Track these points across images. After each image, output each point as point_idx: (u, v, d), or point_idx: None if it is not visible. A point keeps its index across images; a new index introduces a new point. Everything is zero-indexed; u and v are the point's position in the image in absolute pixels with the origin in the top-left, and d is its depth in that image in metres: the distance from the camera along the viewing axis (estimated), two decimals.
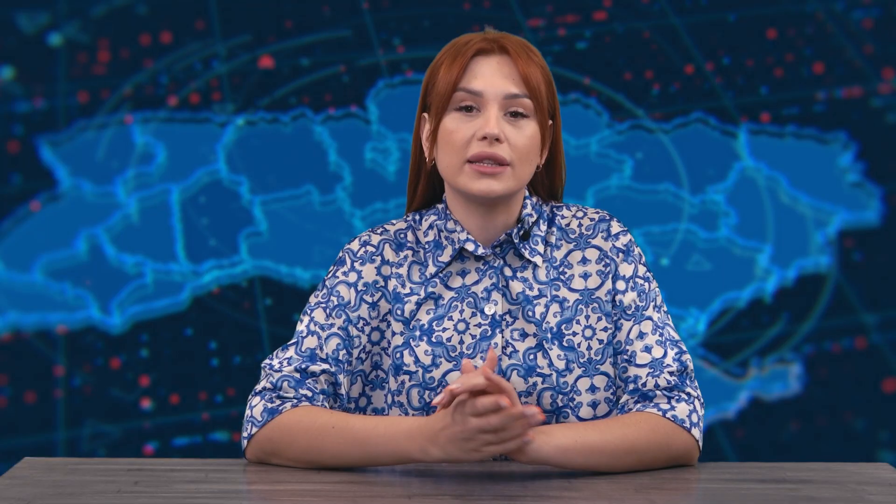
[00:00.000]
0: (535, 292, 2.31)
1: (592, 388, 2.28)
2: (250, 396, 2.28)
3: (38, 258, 4.16)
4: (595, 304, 2.31)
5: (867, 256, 4.21)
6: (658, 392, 2.25)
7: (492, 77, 2.28)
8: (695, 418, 2.25)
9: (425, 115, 2.34)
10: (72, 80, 4.20)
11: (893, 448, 4.16)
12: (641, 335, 2.29)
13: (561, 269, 2.33)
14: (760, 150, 4.23)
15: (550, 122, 2.34)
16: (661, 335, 2.30)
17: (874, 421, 4.18)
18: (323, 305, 2.32)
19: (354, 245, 2.36)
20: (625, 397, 2.27)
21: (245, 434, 2.26)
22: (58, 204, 4.17)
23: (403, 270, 2.34)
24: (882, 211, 4.22)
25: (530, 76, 2.28)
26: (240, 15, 4.24)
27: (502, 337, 2.29)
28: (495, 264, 2.33)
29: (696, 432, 2.25)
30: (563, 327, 2.29)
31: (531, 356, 2.28)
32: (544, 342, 2.28)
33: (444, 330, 2.30)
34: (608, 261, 2.33)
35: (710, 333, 4.13)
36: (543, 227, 2.35)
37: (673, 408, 2.24)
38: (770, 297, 4.19)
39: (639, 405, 2.26)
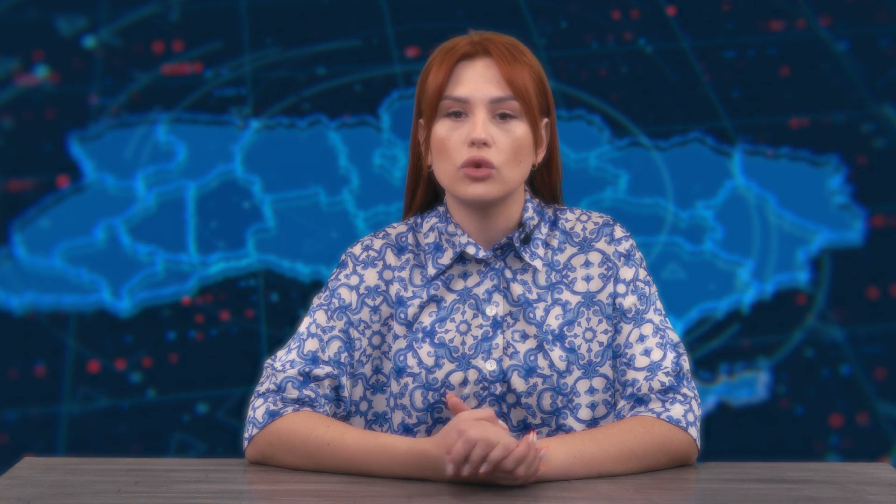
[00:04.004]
0: (535, 296, 2.16)
1: (591, 390, 2.14)
2: (253, 397, 2.14)
3: (58, 244, 4.08)
4: (596, 307, 2.16)
5: (844, 275, 4.11)
6: (653, 396, 2.11)
7: (477, 82, 2.11)
8: (691, 418, 2.11)
9: (421, 121, 2.18)
10: (103, 80, 4.12)
11: (842, 453, 4.05)
12: (642, 338, 2.14)
13: (564, 273, 2.18)
14: (753, 170, 4.13)
15: (546, 118, 2.17)
16: (661, 338, 2.15)
17: (826, 425, 4.08)
18: (325, 307, 2.17)
19: (357, 249, 2.21)
20: (622, 402, 2.13)
21: (246, 435, 2.12)
22: (81, 195, 4.09)
23: (405, 274, 2.19)
24: (865, 232, 4.11)
25: (516, 78, 2.11)
26: (266, 23, 4.17)
27: (503, 338, 2.14)
28: (496, 266, 2.17)
29: (693, 431, 2.11)
30: (564, 329, 2.14)
31: (532, 357, 2.12)
32: (545, 343, 2.13)
33: (447, 331, 2.15)
34: (610, 264, 2.18)
35: (685, 340, 4.05)
36: (545, 230, 2.19)
37: (668, 409, 2.10)
38: (747, 308, 4.09)
39: (634, 409, 2.11)
